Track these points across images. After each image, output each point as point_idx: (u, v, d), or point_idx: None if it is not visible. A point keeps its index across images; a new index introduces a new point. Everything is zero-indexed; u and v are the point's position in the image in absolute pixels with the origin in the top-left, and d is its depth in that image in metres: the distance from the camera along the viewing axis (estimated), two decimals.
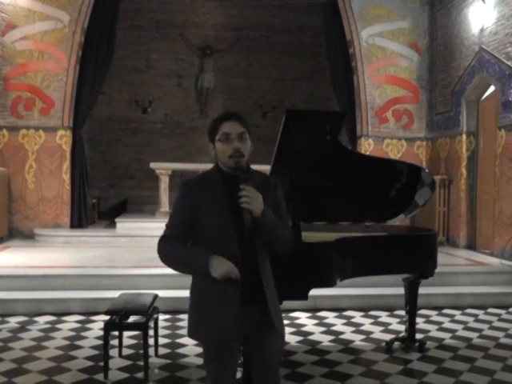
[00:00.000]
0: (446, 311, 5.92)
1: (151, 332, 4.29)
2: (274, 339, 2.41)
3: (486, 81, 8.20)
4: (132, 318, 4.01)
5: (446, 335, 5.05)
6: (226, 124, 2.34)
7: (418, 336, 4.76)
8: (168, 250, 2.35)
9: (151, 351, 4.28)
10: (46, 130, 9.03)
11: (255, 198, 2.23)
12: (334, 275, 3.72)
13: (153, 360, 4.23)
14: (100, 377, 3.88)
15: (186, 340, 4.73)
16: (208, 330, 2.33)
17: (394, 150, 9.75)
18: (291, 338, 4.83)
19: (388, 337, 4.86)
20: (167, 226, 2.40)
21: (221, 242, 2.28)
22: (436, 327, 5.32)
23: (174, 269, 2.38)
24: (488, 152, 8.30)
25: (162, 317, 5.09)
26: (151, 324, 4.14)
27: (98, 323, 5.13)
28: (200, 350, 4.46)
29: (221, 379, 2.39)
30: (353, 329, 5.21)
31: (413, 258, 4.34)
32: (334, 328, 5.22)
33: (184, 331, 4.97)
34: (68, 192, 9.18)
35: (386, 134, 9.77)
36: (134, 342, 4.63)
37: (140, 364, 4.05)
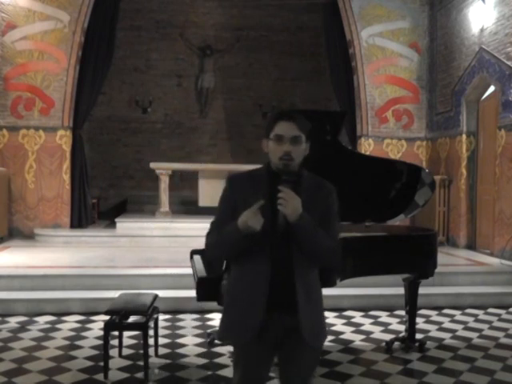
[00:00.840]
0: (446, 311, 5.92)
1: (151, 332, 4.28)
2: (302, 352, 2.28)
3: (486, 81, 8.20)
4: (132, 318, 4.01)
5: (446, 335, 5.05)
6: (281, 124, 2.24)
7: (418, 336, 4.76)
8: (210, 241, 2.30)
9: (151, 351, 4.28)
10: (46, 130, 9.03)
11: (291, 202, 2.11)
12: (334, 275, 3.72)
13: (153, 360, 4.22)
14: (100, 377, 3.88)
15: (186, 340, 4.75)
16: (233, 332, 2.30)
17: (394, 150, 9.74)
18: None
19: (388, 337, 4.86)
20: (212, 223, 2.34)
21: (255, 244, 2.19)
22: (436, 327, 5.32)
23: (222, 254, 2.41)
24: (488, 152, 8.29)
25: (161, 317, 5.07)
26: (151, 324, 4.14)
27: (98, 323, 5.12)
28: (200, 350, 4.48)
29: (244, 382, 2.32)
30: (353, 329, 5.21)
31: (413, 257, 4.35)
32: (334, 328, 5.22)
33: (184, 331, 4.98)
34: (68, 192, 9.17)
35: (386, 133, 9.76)
36: (133, 342, 4.63)
37: (140, 364, 4.05)
